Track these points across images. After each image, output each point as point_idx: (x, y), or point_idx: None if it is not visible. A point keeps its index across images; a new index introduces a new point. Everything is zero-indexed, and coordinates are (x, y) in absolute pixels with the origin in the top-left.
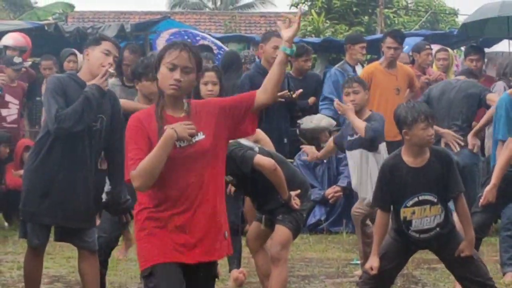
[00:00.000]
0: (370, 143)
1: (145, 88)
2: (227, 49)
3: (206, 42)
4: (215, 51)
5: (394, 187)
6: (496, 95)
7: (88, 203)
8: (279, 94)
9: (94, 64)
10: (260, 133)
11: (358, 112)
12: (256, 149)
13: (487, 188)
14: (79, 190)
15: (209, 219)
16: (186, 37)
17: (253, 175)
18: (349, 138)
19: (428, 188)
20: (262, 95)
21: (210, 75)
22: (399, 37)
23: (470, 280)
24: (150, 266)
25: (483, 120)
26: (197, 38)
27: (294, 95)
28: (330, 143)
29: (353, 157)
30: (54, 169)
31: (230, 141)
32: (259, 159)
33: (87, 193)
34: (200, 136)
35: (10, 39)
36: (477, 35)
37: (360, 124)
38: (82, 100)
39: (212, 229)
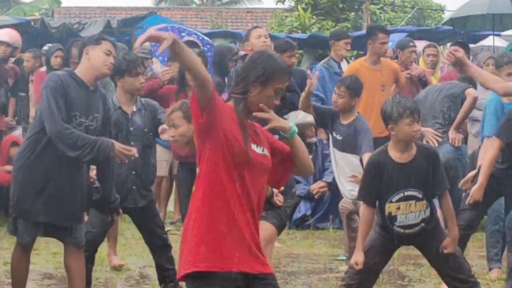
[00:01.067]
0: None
1: (128, 84)
2: (214, 45)
3: (191, 38)
4: (201, 47)
5: (380, 182)
6: (473, 90)
7: (81, 201)
8: None
9: (96, 64)
10: None
11: (345, 113)
12: None
13: (475, 187)
14: (74, 188)
15: (257, 232)
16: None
17: None
18: (335, 135)
19: (414, 184)
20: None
21: None
22: (387, 31)
23: (453, 277)
24: (206, 271)
25: (460, 114)
26: (182, 34)
27: None
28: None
29: (335, 154)
30: (50, 166)
31: None
32: None
33: (81, 191)
34: (266, 152)
35: (5, 35)
36: (461, 27)
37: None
38: (93, 142)
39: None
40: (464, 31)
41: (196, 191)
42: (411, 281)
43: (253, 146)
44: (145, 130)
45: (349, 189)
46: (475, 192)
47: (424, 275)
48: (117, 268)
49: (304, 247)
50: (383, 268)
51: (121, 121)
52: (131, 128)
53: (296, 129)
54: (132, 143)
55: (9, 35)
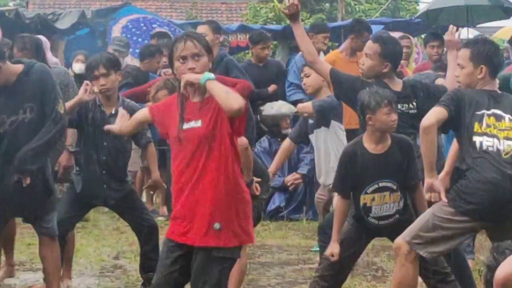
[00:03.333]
0: (318, 118)
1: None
2: None
3: (163, 30)
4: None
5: (354, 173)
6: (442, 79)
7: (20, 195)
8: None
9: None
10: None
11: (316, 93)
12: None
13: (441, 175)
14: (9, 183)
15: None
16: (142, 24)
17: None
18: (310, 121)
19: (388, 175)
20: None
21: None
22: (370, 29)
23: (427, 268)
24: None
25: None
26: (153, 25)
27: None
28: (286, 143)
29: (313, 139)
30: None
31: None
32: None
33: (31, 187)
34: (198, 124)
35: None
36: (433, 23)
37: (307, 104)
38: None
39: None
40: (436, 26)
41: None
42: (385, 272)
43: (185, 125)
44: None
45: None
46: (442, 180)
47: None
48: None
49: (277, 238)
50: (357, 259)
51: (98, 120)
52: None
53: (208, 76)
54: (105, 143)
55: None
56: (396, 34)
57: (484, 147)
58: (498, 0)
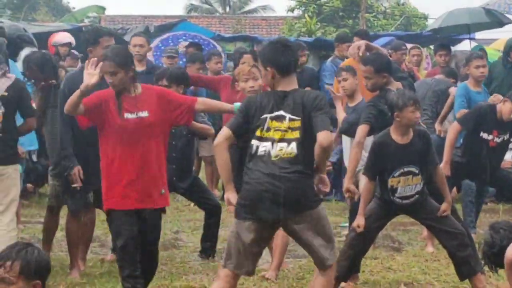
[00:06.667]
0: (344, 133)
1: None
2: (217, 46)
3: (187, 42)
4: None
5: (383, 160)
6: (455, 88)
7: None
8: None
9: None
10: None
11: (351, 97)
12: None
13: (442, 165)
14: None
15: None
16: (170, 41)
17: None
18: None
19: (412, 161)
20: (201, 106)
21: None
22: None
23: (446, 231)
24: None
25: (444, 109)
26: (179, 40)
27: None
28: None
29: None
30: (78, 148)
31: None
32: None
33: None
34: (143, 114)
35: (68, 38)
36: (443, 35)
37: (340, 116)
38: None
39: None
40: (441, 36)
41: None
42: (401, 244)
43: (126, 115)
44: (184, 133)
45: None
46: (443, 168)
47: (412, 239)
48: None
49: None
50: (378, 233)
51: None
52: (173, 130)
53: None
54: (173, 142)
55: (69, 37)
56: (408, 45)
57: (259, 152)
58: (495, 15)
